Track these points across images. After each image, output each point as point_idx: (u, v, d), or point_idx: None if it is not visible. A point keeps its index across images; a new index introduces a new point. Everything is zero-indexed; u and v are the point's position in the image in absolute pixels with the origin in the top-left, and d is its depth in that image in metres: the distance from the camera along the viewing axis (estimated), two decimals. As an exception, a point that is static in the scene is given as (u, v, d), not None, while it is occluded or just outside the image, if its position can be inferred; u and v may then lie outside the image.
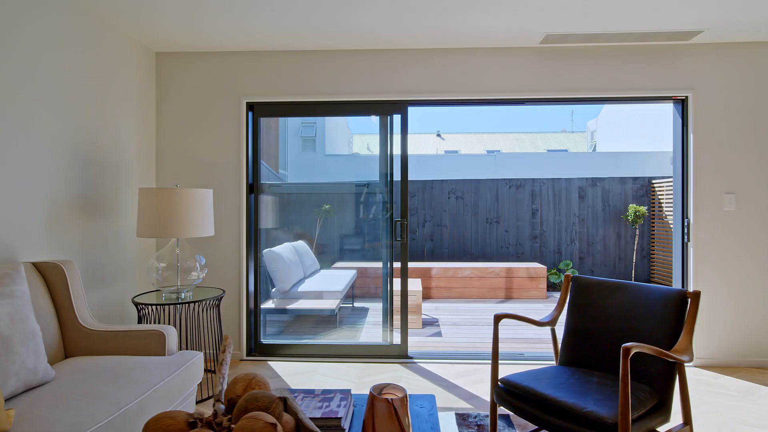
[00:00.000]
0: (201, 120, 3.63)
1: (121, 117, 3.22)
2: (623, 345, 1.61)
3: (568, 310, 2.37)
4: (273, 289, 4.49)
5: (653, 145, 15.48)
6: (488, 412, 2.65)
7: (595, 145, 20.53)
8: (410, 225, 7.85)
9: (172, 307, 3.20)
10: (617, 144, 17.88)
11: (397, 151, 3.66)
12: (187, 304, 3.18)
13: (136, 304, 2.80)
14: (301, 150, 15.09)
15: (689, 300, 1.95)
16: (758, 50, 3.42)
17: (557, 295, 6.61)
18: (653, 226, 7.52)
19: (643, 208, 7.23)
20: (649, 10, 2.88)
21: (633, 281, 2.21)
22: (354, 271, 5.83)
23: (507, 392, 1.98)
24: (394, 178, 3.67)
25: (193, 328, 3.45)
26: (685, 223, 3.51)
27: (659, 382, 1.92)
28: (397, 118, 3.64)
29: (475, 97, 3.59)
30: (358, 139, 26.43)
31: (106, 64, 3.07)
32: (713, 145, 3.45)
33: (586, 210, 7.66)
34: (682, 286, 3.53)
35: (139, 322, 2.84)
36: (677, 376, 1.90)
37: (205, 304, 3.12)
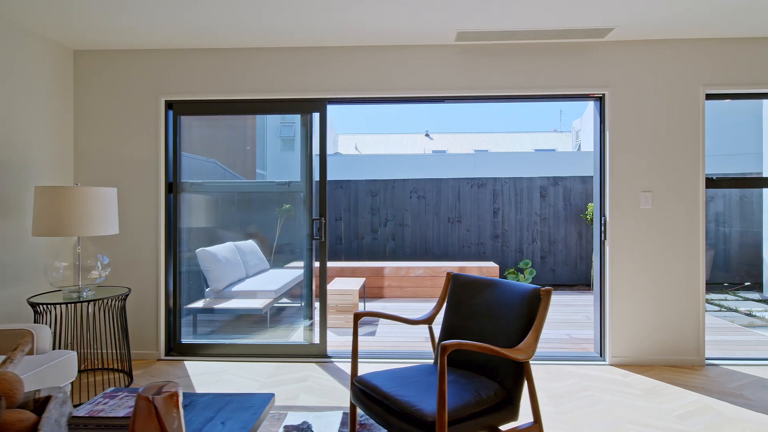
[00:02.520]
0: (119, 118, 3.61)
1: (32, 116, 3.20)
2: (442, 342, 1.59)
3: (446, 307, 2.35)
4: (207, 289, 4.47)
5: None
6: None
7: (579, 145, 20.53)
8: (371, 224, 7.83)
9: (72, 307, 3.18)
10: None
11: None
12: (92, 304, 3.16)
13: (32, 305, 2.77)
14: (280, 150, 15.06)
15: (541, 297, 1.94)
16: (669, 47, 3.41)
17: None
18: (614, 225, 7.50)
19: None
20: (559, 7, 2.87)
21: (502, 279, 2.19)
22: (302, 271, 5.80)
23: (360, 391, 1.96)
24: (320, 178, 3.66)
25: (96, 328, 3.42)
26: (602, 222, 3.50)
27: (509, 379, 1.91)
28: (316, 117, 3.63)
29: (395, 95, 3.57)
30: (345, 139, 26.42)
31: (12, 62, 3.04)
32: (630, 143, 3.44)
33: (548, 209, 7.65)
34: (600, 285, 3.52)
35: (35, 322, 2.81)
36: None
37: (106, 303, 3.10)
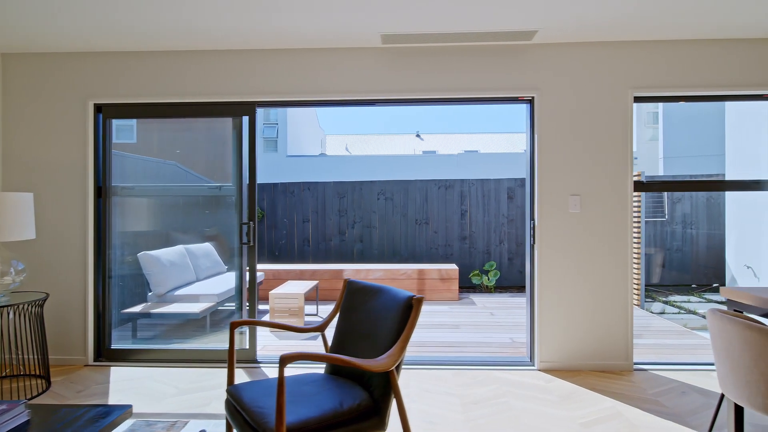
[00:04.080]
0: (47, 122, 3.58)
1: (-55, 119, 3.16)
2: (281, 354, 1.56)
3: (339, 314, 2.32)
4: (150, 293, 4.43)
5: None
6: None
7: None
8: (339, 226, 7.80)
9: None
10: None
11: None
12: (11, 309, 3.12)
13: (-60, 310, 2.74)
14: (263, 151, 15.02)
15: (413, 306, 1.91)
16: (597, 50, 3.38)
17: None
18: (581, 227, 7.48)
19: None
20: (481, 10, 2.84)
21: (388, 286, 2.16)
22: (260, 274, 5.77)
23: (229, 401, 1.93)
24: (256, 181, 3.63)
25: (15, 334, 3.38)
26: (531, 225, 3.48)
27: (378, 389, 1.88)
28: (246, 120, 3.60)
29: (325, 98, 3.55)
30: (335, 139, 26.37)
31: None
32: (558, 146, 3.42)
33: (515, 210, 7.62)
34: (531, 289, 3.49)
35: (-58, 328, 2.78)
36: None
37: (24, 309, 3.06)
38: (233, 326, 2.06)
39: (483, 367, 3.44)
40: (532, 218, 3.48)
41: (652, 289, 7.33)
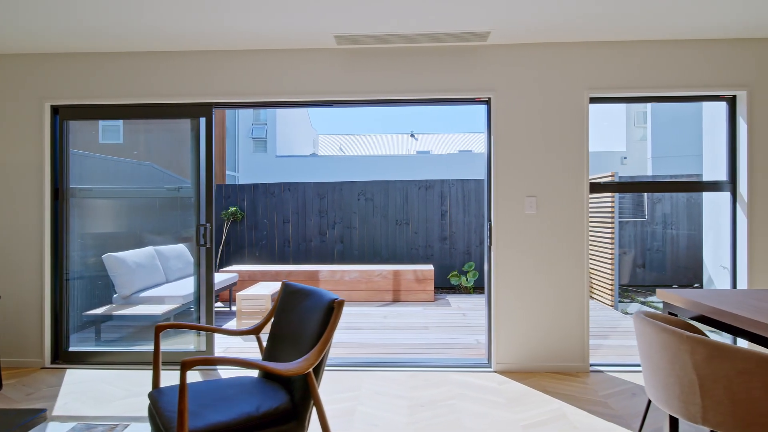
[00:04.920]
0: (2, 124, 3.56)
1: None
2: (182, 359, 1.55)
3: (275, 316, 2.31)
4: (115, 295, 4.42)
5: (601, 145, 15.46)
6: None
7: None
8: (320, 226, 7.79)
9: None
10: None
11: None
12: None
13: None
14: (252, 151, 15.01)
15: (334, 309, 1.90)
16: (553, 51, 3.37)
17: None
18: (561, 227, 7.47)
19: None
20: (432, 11, 2.83)
21: (318, 288, 2.15)
22: (233, 275, 5.76)
23: (150, 405, 1.92)
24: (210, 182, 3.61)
25: None
26: (488, 227, 3.46)
27: (299, 393, 1.87)
28: (203, 121, 3.58)
29: (282, 99, 3.53)
30: (328, 139, 26.35)
31: None
32: (515, 147, 3.40)
33: (496, 211, 7.60)
34: (488, 291, 3.48)
35: None
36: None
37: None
38: (158, 330, 2.05)
39: (440, 369, 3.42)
40: (488, 219, 3.47)
41: (632, 290, 7.32)
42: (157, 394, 1.89)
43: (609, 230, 5.73)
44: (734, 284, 3.43)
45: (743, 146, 3.34)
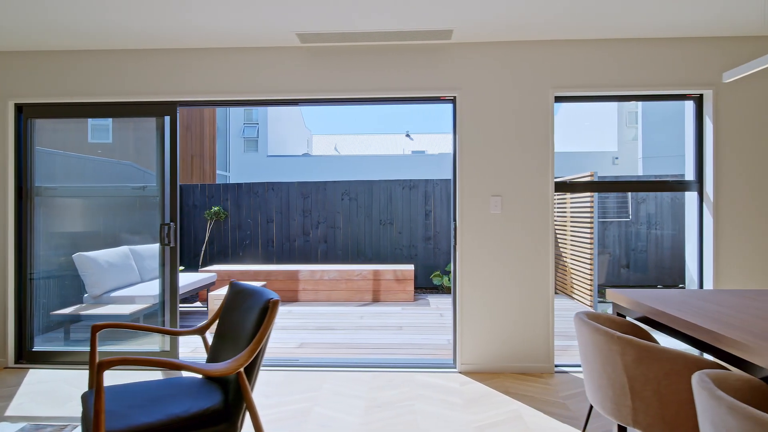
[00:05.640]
0: (-34, 122, 3.53)
1: None
2: (99, 360, 1.53)
3: (221, 316, 2.28)
4: (85, 294, 4.39)
5: (593, 145, 15.46)
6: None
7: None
8: (303, 226, 7.76)
9: None
10: (569, 144, 17.85)
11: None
12: None
13: None
14: (243, 151, 14.98)
15: (269, 308, 1.87)
16: (518, 49, 3.35)
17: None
18: (545, 227, 7.45)
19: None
20: (393, 8, 2.81)
21: (261, 288, 2.12)
22: (212, 275, 5.73)
23: (83, 407, 1.89)
24: (174, 181, 3.58)
25: None
26: (453, 226, 3.44)
27: (232, 393, 1.85)
28: (167, 120, 3.56)
29: (247, 98, 3.51)
30: (323, 139, 26.32)
31: None
32: (479, 146, 3.38)
33: (480, 211, 7.58)
34: (454, 291, 3.46)
35: None
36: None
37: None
38: (95, 329, 2.02)
39: (405, 370, 3.40)
40: (453, 219, 3.44)
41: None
42: (89, 395, 1.87)
43: (588, 230, 5.71)
44: (701, 284, 3.41)
45: (709, 146, 3.31)
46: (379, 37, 3.25)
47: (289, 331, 4.70)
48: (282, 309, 5.71)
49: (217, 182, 12.80)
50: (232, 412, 1.82)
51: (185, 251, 7.91)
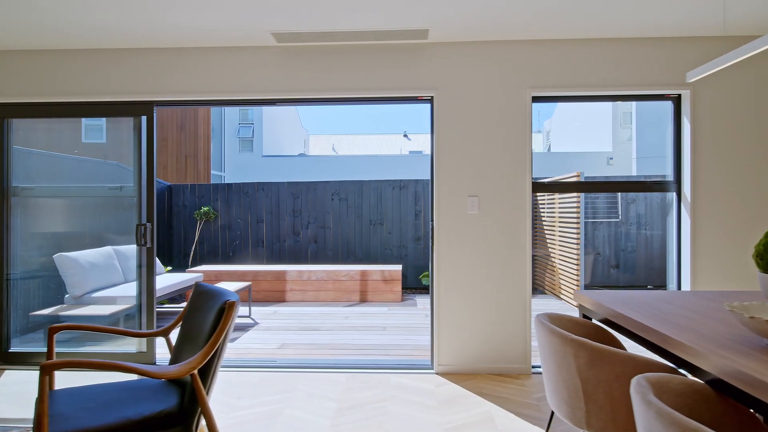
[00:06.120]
0: (-58, 122, 3.52)
1: None
2: (41, 363, 1.51)
3: (185, 317, 2.27)
4: (66, 295, 4.37)
5: (590, 145, 15.44)
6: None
7: (549, 145, 20.49)
8: (294, 226, 7.75)
9: None
10: (566, 144, 17.83)
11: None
12: None
13: None
14: (238, 151, 14.97)
15: (225, 310, 1.86)
16: (495, 49, 3.33)
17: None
18: (535, 228, 7.44)
19: (519, 210, 7.14)
20: (367, 7, 2.79)
21: (224, 288, 2.11)
22: (198, 275, 5.72)
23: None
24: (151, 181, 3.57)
25: None
26: (430, 227, 3.43)
27: (188, 395, 1.83)
28: (144, 120, 3.54)
29: (224, 98, 3.49)
30: (320, 139, 26.30)
31: None
32: (457, 146, 3.37)
33: (470, 211, 7.56)
34: (432, 292, 3.44)
35: None
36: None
37: None
38: (52, 331, 2.01)
39: (382, 371, 3.38)
40: (431, 219, 3.43)
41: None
42: (55, 398, 1.85)
43: (575, 231, 5.69)
44: (679, 286, 3.39)
45: (687, 146, 3.30)
46: (355, 37, 3.23)
47: (272, 331, 4.69)
48: (268, 309, 5.70)
49: (212, 182, 12.79)
50: (187, 416, 1.80)
51: (175, 251, 7.90)
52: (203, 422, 1.87)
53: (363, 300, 6.17)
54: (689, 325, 1.58)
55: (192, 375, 1.75)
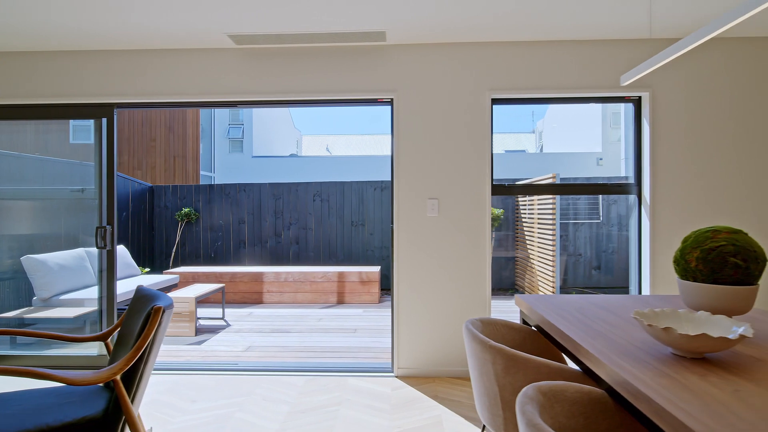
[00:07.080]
0: None
1: None
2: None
3: (124, 321, 2.25)
4: (34, 297, 4.36)
5: (582, 146, 15.45)
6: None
7: (542, 146, 20.49)
8: (275, 227, 7.73)
9: None
10: (557, 144, 17.84)
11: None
12: None
13: None
14: (228, 152, 14.94)
15: (150, 316, 1.84)
16: (454, 51, 3.32)
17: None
18: (517, 230, 7.44)
19: (498, 211, 7.13)
20: (321, 9, 2.78)
21: (160, 292, 2.09)
22: (174, 276, 5.70)
23: (-36, 415, 1.86)
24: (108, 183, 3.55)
25: None
26: (391, 229, 3.41)
27: (113, 401, 1.81)
28: (104, 122, 3.52)
29: (184, 100, 3.48)
30: (314, 140, 26.28)
31: None
32: (417, 149, 3.36)
33: (452, 212, 7.55)
34: (391, 294, 3.43)
35: None
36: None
37: None
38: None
39: (343, 374, 3.37)
40: (392, 222, 3.42)
41: (589, 292, 7.27)
42: (-31, 403, 1.84)
43: (551, 232, 5.69)
44: (639, 289, 3.38)
45: (646, 148, 3.29)
46: (312, 39, 3.22)
47: (241, 333, 4.67)
48: (242, 311, 5.68)
49: (201, 183, 12.76)
50: (111, 422, 1.79)
51: (156, 253, 7.88)
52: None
53: (340, 301, 6.16)
54: (606, 332, 1.57)
55: (114, 381, 1.74)
